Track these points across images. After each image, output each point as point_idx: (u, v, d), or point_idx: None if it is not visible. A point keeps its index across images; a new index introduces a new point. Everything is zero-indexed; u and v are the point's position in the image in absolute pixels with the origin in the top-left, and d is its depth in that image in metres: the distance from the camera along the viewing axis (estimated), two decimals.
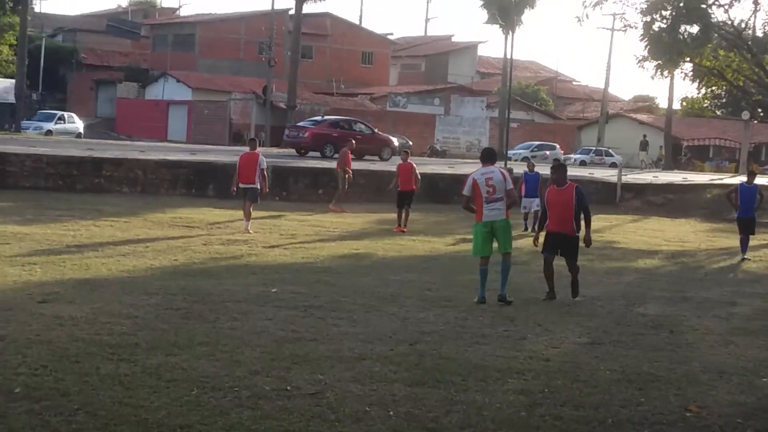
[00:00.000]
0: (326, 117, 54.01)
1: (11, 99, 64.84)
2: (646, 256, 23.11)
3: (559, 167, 16.32)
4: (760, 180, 26.84)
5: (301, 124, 50.14)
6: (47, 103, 77.74)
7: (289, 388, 9.28)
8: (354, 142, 33.07)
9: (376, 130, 49.21)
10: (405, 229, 25.55)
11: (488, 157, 15.54)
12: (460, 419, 8.58)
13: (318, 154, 44.01)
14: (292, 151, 46.89)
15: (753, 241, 24.09)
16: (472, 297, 15.23)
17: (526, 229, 27.01)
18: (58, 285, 14.40)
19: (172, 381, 9.28)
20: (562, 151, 71.60)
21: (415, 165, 27.48)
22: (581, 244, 15.71)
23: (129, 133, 71.91)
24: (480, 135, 75.21)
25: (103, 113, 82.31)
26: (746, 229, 23.51)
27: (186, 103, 75.57)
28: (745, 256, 23.22)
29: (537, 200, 26.15)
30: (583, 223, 15.64)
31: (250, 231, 23.15)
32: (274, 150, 52.34)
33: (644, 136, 73.42)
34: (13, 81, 65.65)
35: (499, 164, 15.15)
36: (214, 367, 9.88)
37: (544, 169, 25.30)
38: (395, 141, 50.18)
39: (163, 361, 10.04)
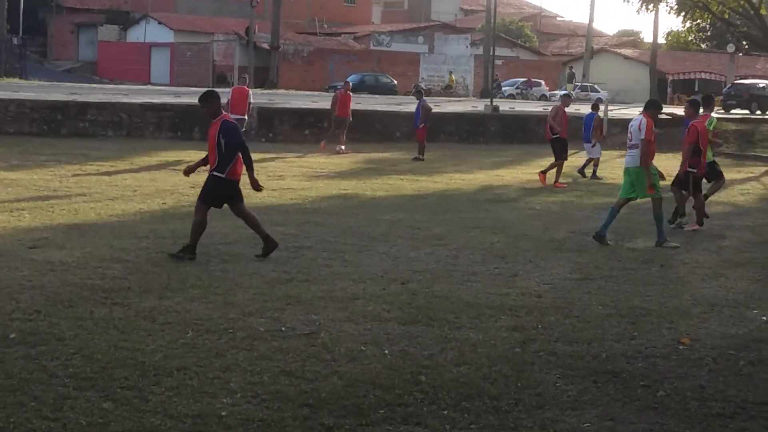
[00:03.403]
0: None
1: None
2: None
3: None
4: None
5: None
6: (28, 48, 77.00)
7: (283, 328, 9.30)
8: (349, 83, 33.07)
9: None
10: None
11: (650, 105, 15.81)
12: (455, 356, 8.62)
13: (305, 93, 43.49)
14: (278, 90, 46.58)
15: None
16: (462, 234, 15.27)
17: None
18: (47, 230, 14.35)
19: (166, 324, 9.29)
20: (548, 88, 71.55)
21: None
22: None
23: (111, 77, 71.44)
24: (465, 73, 75.03)
25: (85, 57, 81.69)
26: None
27: (168, 45, 75.06)
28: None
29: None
30: None
31: None
32: (258, 91, 52.09)
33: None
34: None
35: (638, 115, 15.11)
36: (208, 310, 9.90)
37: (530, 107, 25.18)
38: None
39: (157, 304, 10.04)
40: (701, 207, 17.18)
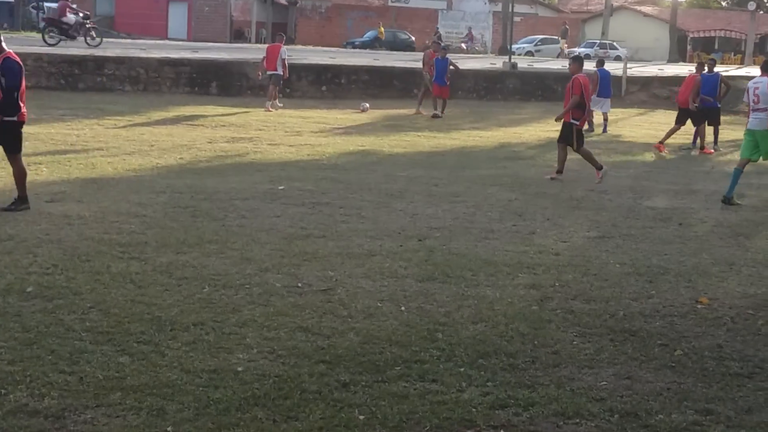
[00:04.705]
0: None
1: None
2: (653, 149, 22.98)
3: None
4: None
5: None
6: (45, 2, 76.77)
7: (300, 284, 9.29)
8: (438, 42, 32.97)
9: None
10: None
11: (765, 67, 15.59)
12: (472, 314, 8.60)
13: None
14: (295, 47, 46.42)
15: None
16: (480, 192, 15.23)
17: (590, 130, 26.56)
18: (64, 184, 14.37)
19: (183, 279, 9.29)
20: (567, 45, 71.02)
21: None
22: None
23: (129, 31, 71.18)
24: (483, 30, 74.47)
25: (102, 11, 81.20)
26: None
27: (186, 0, 74.68)
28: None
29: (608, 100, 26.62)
30: None
31: (271, 110, 27.25)
32: None
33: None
34: None
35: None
36: (225, 265, 9.89)
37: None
38: None
39: (174, 259, 10.04)
40: (589, 156, 17.46)
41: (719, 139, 23.83)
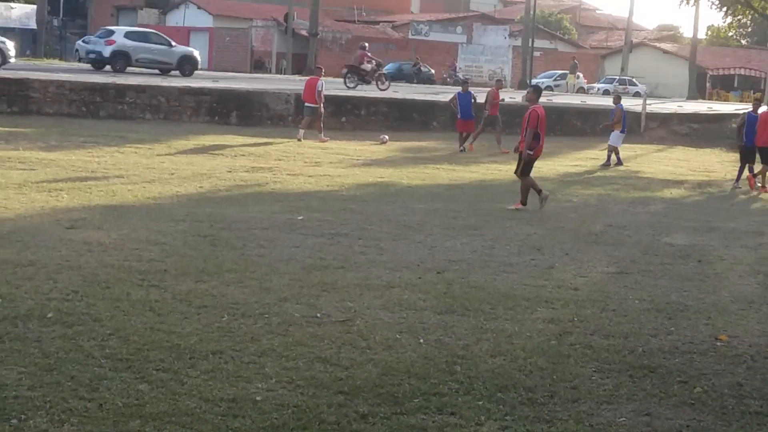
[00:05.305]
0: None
1: (32, 25, 64.53)
2: (672, 185, 22.98)
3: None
4: None
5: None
6: (68, 29, 77.42)
7: (318, 315, 9.30)
8: (501, 81, 33.55)
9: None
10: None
11: None
12: (491, 347, 8.59)
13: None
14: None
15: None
16: (498, 225, 15.23)
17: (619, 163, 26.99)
18: (85, 211, 14.43)
19: (202, 307, 9.31)
20: (586, 80, 71.12)
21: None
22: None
23: None
24: (503, 63, 74.58)
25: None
26: (748, 157, 23.57)
27: (207, 30, 75.14)
28: (738, 185, 23.36)
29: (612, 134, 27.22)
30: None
31: (301, 140, 27.69)
32: (296, 77, 52.12)
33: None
34: (35, 7, 65.28)
35: None
36: (244, 294, 9.91)
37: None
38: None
39: (193, 287, 10.07)
40: (528, 188, 17.52)
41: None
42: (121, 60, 40.72)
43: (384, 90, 39.91)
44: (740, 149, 24.10)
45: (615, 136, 27.18)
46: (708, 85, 77.07)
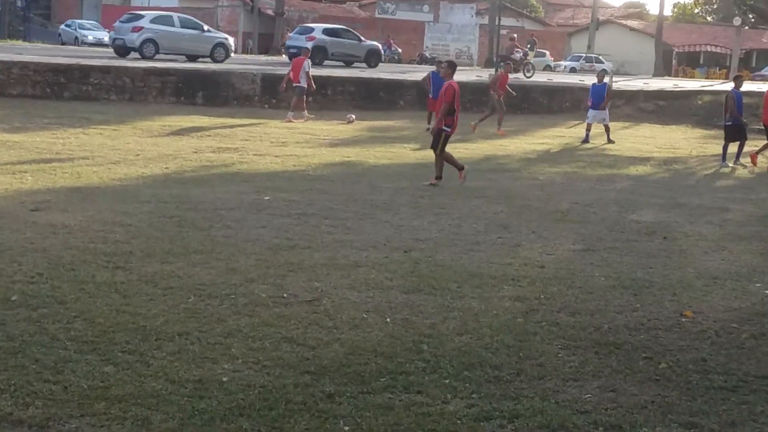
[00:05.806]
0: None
1: None
2: (638, 162, 23.07)
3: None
4: (747, 87, 26.87)
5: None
6: (32, 10, 76.68)
7: (285, 295, 9.29)
8: (510, 65, 33.92)
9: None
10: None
11: None
12: (457, 326, 8.61)
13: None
14: (281, 58, 46.40)
15: (744, 147, 23.96)
16: (465, 204, 15.25)
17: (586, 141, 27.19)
18: (50, 193, 14.34)
19: (168, 288, 9.28)
20: (552, 58, 71.24)
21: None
22: None
23: None
24: (469, 42, 74.61)
25: (89, 19, 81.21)
26: (734, 136, 23.60)
27: (173, 10, 74.63)
28: (729, 163, 23.34)
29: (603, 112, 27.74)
30: None
31: (293, 120, 27.98)
32: (262, 57, 51.93)
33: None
34: None
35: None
36: (210, 275, 9.88)
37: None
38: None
39: (159, 269, 10.03)
40: (443, 164, 17.62)
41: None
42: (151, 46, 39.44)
43: (529, 78, 42.90)
44: (726, 128, 24.00)
45: (605, 112, 28.06)
46: (674, 62, 77.41)
